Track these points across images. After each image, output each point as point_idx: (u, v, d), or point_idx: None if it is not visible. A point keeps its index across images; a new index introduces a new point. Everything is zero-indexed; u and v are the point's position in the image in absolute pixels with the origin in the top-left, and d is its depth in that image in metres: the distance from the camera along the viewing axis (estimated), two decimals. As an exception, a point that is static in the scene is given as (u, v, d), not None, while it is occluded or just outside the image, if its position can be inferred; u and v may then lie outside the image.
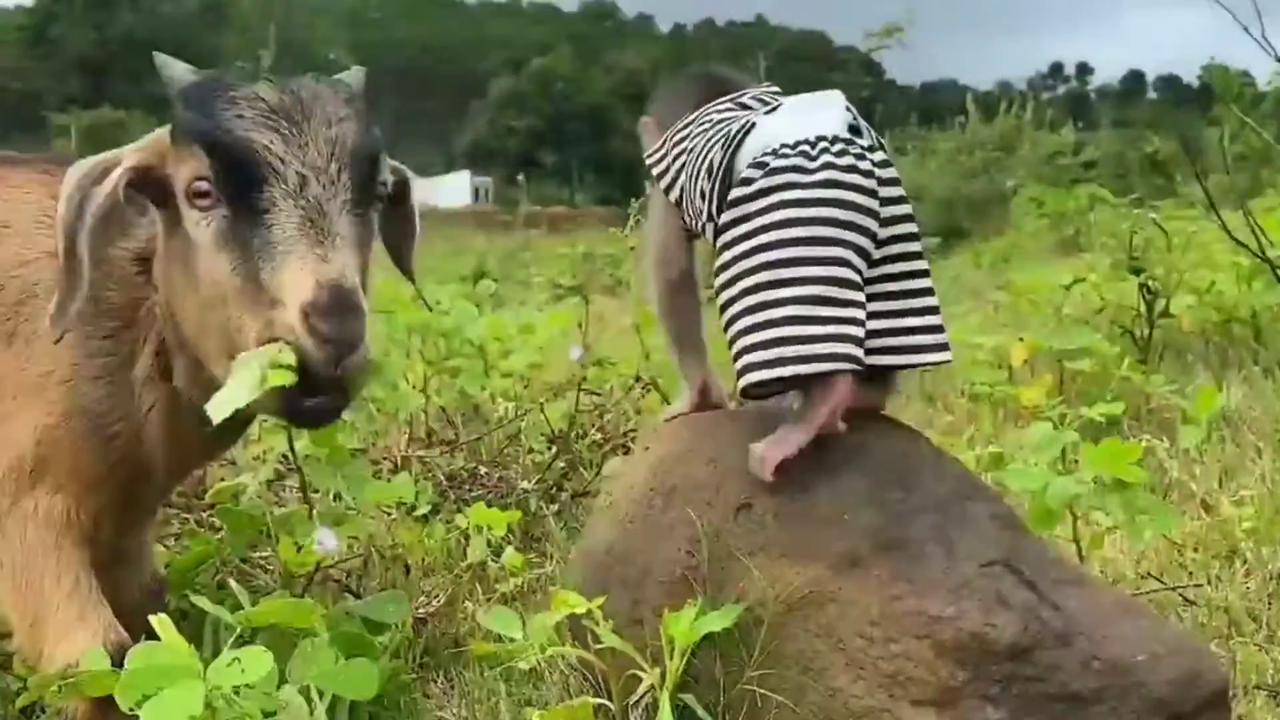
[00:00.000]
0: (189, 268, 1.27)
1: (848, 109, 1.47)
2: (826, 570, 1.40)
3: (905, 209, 1.45)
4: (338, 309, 1.14)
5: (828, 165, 1.39)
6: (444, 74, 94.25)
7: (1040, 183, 11.96)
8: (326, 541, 1.73)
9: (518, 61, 72.80)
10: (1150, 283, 3.30)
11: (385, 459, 2.56)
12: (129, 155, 1.32)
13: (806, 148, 1.41)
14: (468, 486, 2.47)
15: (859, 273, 1.40)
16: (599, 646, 1.47)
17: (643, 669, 1.46)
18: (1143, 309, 3.37)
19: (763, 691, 1.42)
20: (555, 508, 2.39)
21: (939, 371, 3.97)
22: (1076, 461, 2.22)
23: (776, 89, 1.63)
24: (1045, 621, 1.35)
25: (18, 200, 1.45)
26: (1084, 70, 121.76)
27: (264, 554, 2.07)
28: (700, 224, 1.53)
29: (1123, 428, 3.15)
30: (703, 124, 1.57)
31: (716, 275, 1.45)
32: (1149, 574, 2.25)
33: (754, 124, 1.48)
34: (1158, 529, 2.02)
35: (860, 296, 1.39)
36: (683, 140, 1.59)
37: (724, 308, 1.42)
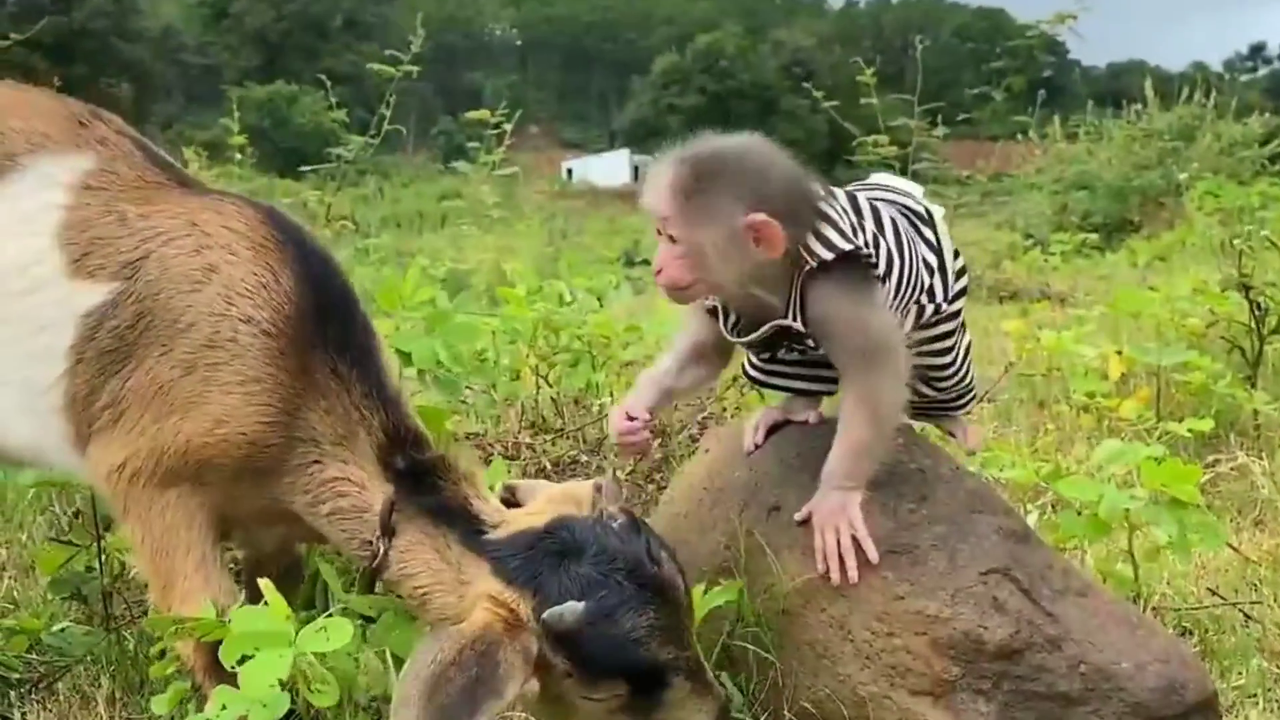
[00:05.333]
0: (559, 706, 1.45)
1: None
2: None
3: None
4: None
5: None
6: (607, 51, 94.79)
7: (1219, 175, 11.37)
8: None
9: (682, 38, 72.62)
10: (1260, 299, 3.27)
11: (499, 443, 2.82)
12: (512, 647, 1.34)
13: None
14: (569, 472, 2.70)
15: None
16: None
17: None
18: (1252, 324, 3.33)
19: (785, 672, 1.61)
20: (643, 498, 2.58)
21: (1053, 377, 3.99)
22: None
23: None
24: (1037, 626, 1.50)
25: (231, 251, 1.53)
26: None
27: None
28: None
29: (1221, 444, 3.15)
30: None
31: None
32: (1211, 589, 2.32)
33: None
34: (1206, 546, 2.09)
35: None
36: None
37: None
